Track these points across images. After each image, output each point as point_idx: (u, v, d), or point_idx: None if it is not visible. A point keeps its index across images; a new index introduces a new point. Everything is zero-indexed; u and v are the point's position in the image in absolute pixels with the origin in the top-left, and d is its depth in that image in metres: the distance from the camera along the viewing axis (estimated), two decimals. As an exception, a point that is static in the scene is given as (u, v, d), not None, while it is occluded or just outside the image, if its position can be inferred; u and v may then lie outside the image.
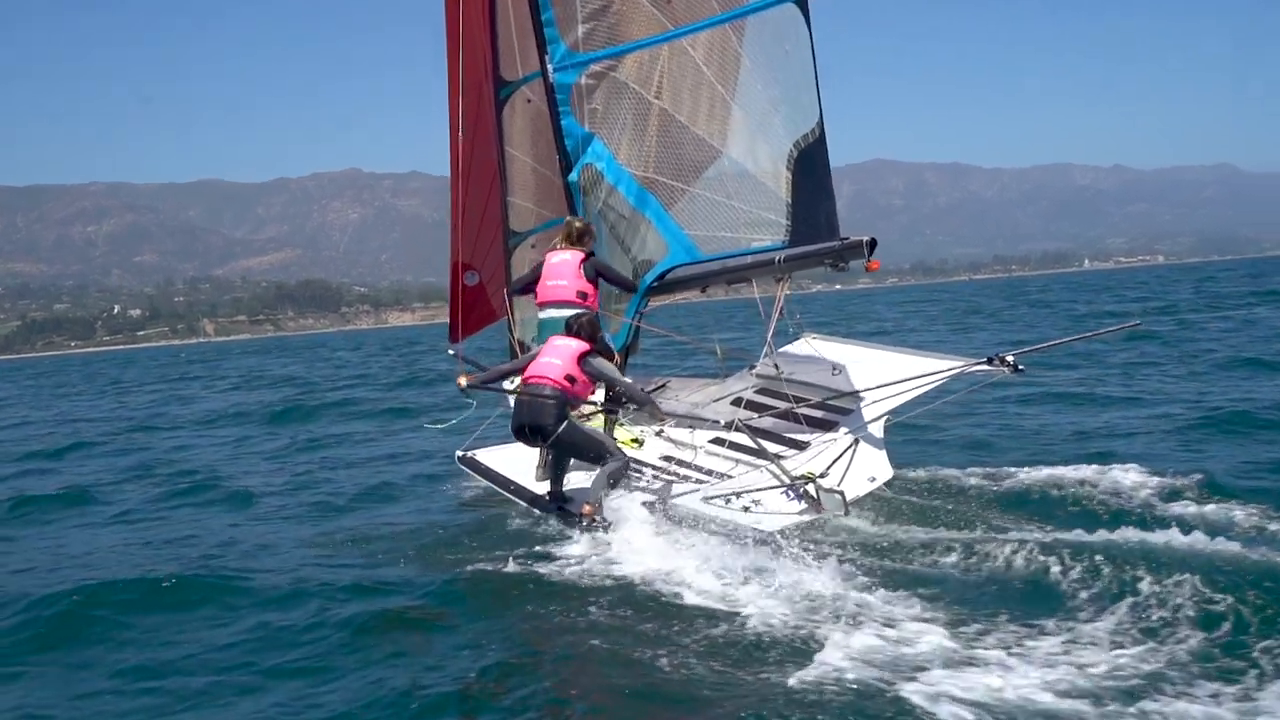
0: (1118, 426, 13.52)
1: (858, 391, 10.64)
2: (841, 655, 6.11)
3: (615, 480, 9.37)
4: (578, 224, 11.26)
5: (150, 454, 19.53)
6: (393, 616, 7.60)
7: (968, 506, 9.49)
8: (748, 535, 8.29)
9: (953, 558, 7.77)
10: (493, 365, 11.43)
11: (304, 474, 15.32)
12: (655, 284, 11.92)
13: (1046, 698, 5.48)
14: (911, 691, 5.59)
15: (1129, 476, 9.85)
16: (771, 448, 10.34)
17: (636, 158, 11.63)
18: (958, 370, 10.16)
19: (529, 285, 11.53)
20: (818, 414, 10.79)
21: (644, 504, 8.95)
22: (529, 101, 12.59)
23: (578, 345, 9.70)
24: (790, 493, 9.37)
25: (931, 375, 10.24)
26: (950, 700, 5.47)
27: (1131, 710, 5.30)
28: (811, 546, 8.32)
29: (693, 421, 11.30)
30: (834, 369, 11.21)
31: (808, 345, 11.99)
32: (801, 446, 10.39)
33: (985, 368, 9.75)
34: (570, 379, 9.49)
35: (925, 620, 6.66)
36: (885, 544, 8.37)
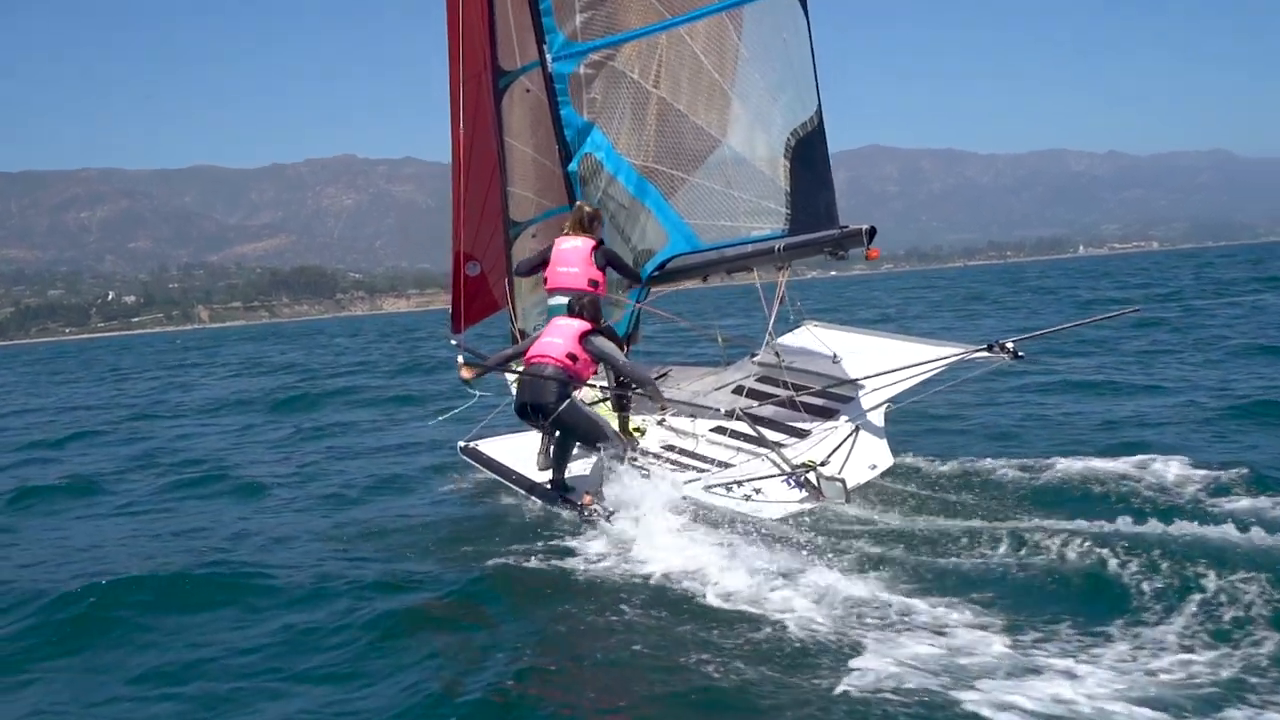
0: (1147, 416, 13.25)
1: (858, 379, 10.60)
2: (893, 661, 5.85)
3: (613, 468, 9.30)
4: (588, 209, 11.25)
5: (153, 443, 19.22)
6: (421, 615, 7.30)
7: (1005, 500, 9.23)
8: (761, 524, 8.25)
9: (999, 555, 7.51)
10: (494, 354, 11.30)
11: (312, 464, 15.04)
12: (656, 273, 11.93)
13: (1119, 708, 5.19)
14: (975, 702, 5.31)
15: (1171, 469, 9.57)
16: (772, 436, 10.26)
17: (636, 147, 11.63)
18: (958, 357, 10.14)
19: (536, 267, 11.53)
20: (818, 402, 10.74)
21: (665, 499, 8.81)
22: (528, 91, 12.52)
23: (579, 324, 9.83)
24: (791, 481, 9.34)
25: (932, 362, 10.20)
26: (1019, 712, 5.19)
27: (1215, 720, 5.03)
28: (842, 543, 8.09)
29: (694, 410, 11.22)
30: (834, 357, 11.21)
31: (808, 333, 11.97)
32: (802, 434, 10.31)
33: (985, 354, 9.78)
34: (572, 357, 9.60)
35: (980, 626, 6.39)
36: (922, 539, 8.09)
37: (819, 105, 10.68)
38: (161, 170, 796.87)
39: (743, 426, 10.49)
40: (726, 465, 9.97)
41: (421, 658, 6.54)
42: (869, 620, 6.56)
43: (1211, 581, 6.50)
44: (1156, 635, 6.06)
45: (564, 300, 10.66)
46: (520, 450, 11.04)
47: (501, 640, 6.82)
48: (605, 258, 11.09)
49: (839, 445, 9.81)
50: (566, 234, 11.23)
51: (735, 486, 9.30)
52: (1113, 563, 7.01)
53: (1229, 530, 7.42)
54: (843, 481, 9.10)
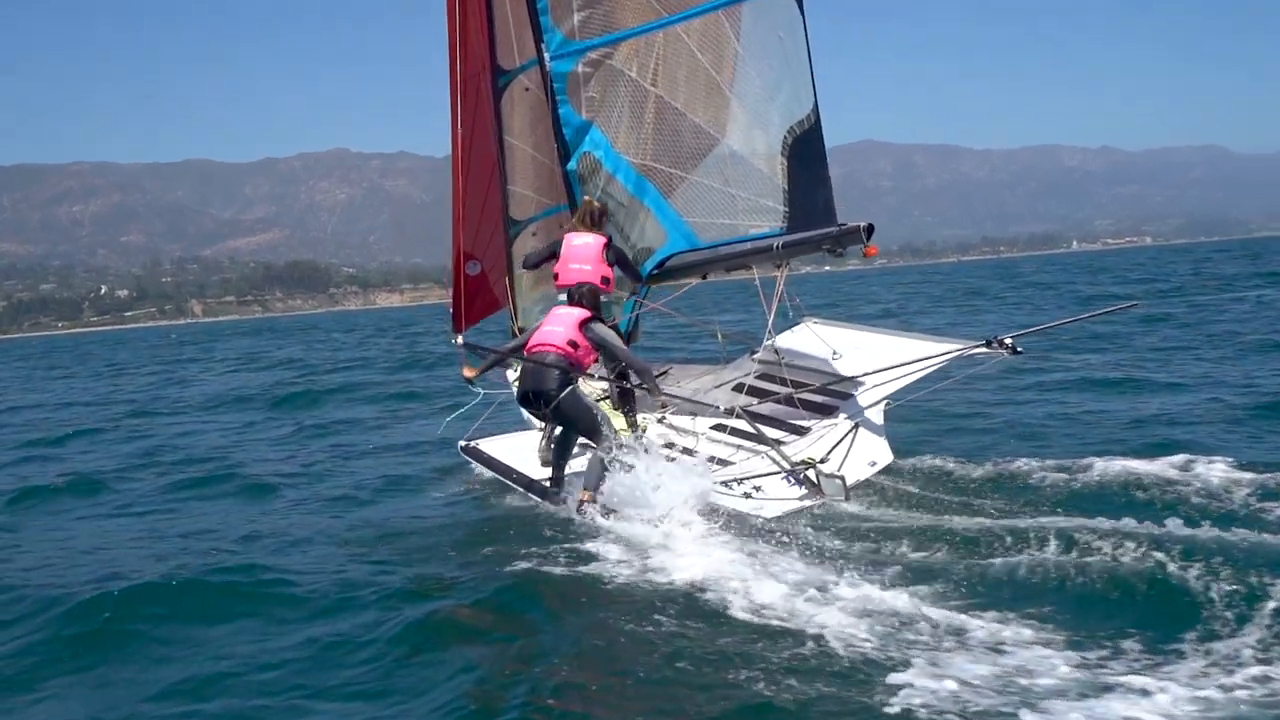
0: (1175, 414, 12.95)
1: (857, 376, 10.58)
2: (952, 680, 5.50)
3: (608, 464, 9.30)
4: (596, 204, 11.26)
5: (154, 440, 18.88)
6: (450, 626, 6.98)
7: (1045, 503, 8.88)
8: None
9: (1050, 562, 7.14)
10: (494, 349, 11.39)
11: (319, 463, 14.73)
12: (656, 271, 11.93)
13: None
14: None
15: (1215, 471, 9.23)
16: (772, 433, 10.28)
17: (634, 145, 11.65)
18: (956, 353, 10.10)
19: (544, 259, 11.50)
20: (818, 399, 10.77)
21: (696, 492, 8.85)
22: (527, 90, 12.51)
23: (579, 312, 10.01)
24: (791, 478, 9.40)
25: (931, 359, 10.19)
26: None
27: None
28: (880, 551, 7.81)
29: (694, 407, 11.19)
30: (834, 354, 11.25)
31: (808, 330, 11.99)
32: (802, 432, 10.32)
33: (984, 350, 9.74)
34: (573, 344, 9.73)
35: (1040, 641, 6.04)
36: (964, 545, 7.78)
37: (815, 102, 10.77)
38: (154, 164, 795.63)
39: (744, 424, 10.49)
40: (726, 463, 9.98)
41: (454, 672, 6.21)
42: (918, 635, 6.24)
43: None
44: (1231, 648, 5.75)
45: None
46: (520, 449, 11.20)
47: (536, 653, 6.51)
48: (615, 255, 11.11)
49: (839, 442, 9.87)
50: (576, 229, 11.18)
51: (735, 484, 9.35)
52: (1173, 568, 6.71)
53: (1288, 536, 7.14)
54: (842, 478, 9.16)
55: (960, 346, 10.16)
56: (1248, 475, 9.07)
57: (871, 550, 7.91)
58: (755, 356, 11.94)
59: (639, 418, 11.34)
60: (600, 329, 10.02)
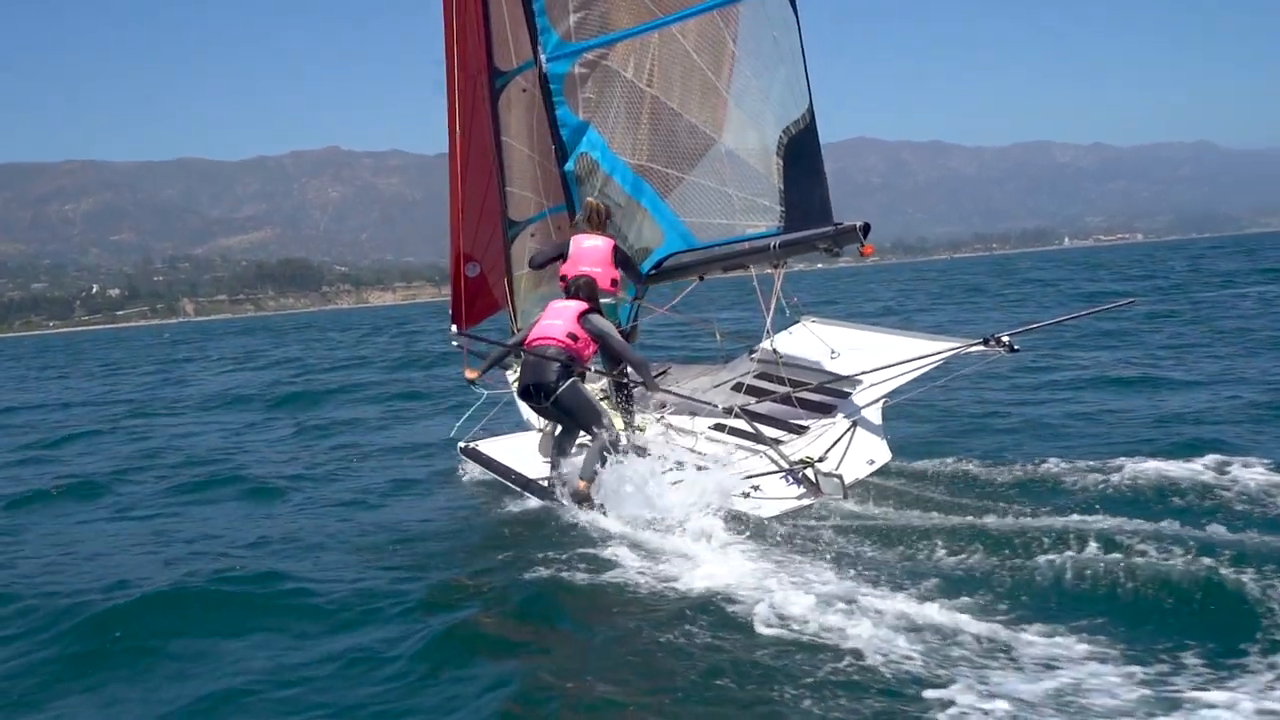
0: (1199, 413, 12.73)
1: (855, 375, 10.55)
2: (1006, 700, 5.22)
3: (605, 457, 9.37)
4: (601, 205, 11.34)
5: (153, 441, 18.59)
6: (476, 638, 6.72)
7: (1079, 506, 8.59)
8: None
9: (1096, 568, 6.81)
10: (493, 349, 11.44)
11: (323, 465, 14.46)
12: (653, 271, 11.95)
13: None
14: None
15: (1254, 475, 9.00)
16: (771, 433, 10.30)
17: (630, 146, 11.70)
18: (954, 351, 10.04)
19: (551, 259, 11.52)
20: (816, 398, 10.78)
21: (724, 489, 8.89)
22: (524, 91, 12.50)
23: (577, 305, 10.12)
24: (789, 477, 9.40)
25: (928, 357, 10.15)
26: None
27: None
28: (914, 559, 7.54)
29: (692, 406, 11.17)
30: (832, 352, 11.26)
31: (806, 329, 12.00)
32: (801, 430, 10.32)
33: (982, 348, 9.68)
34: (573, 336, 9.85)
35: (1095, 657, 5.76)
36: (1002, 550, 7.48)
37: (810, 102, 10.82)
38: (146, 163, 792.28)
39: (742, 423, 10.49)
40: (725, 462, 9.86)
41: (483, 689, 5.92)
42: (963, 650, 5.96)
43: (1341, 598, 5.97)
44: (1295, 661, 5.50)
45: None
46: (519, 450, 11.31)
47: (568, 667, 6.26)
48: (623, 258, 11.19)
49: (837, 441, 9.85)
50: (583, 230, 11.23)
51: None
52: (1226, 573, 6.43)
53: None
54: (840, 477, 9.18)
55: (958, 345, 10.10)
56: (1284, 478, 8.84)
57: (906, 556, 7.66)
58: (753, 355, 11.98)
59: (639, 418, 11.32)
60: (599, 320, 10.10)
